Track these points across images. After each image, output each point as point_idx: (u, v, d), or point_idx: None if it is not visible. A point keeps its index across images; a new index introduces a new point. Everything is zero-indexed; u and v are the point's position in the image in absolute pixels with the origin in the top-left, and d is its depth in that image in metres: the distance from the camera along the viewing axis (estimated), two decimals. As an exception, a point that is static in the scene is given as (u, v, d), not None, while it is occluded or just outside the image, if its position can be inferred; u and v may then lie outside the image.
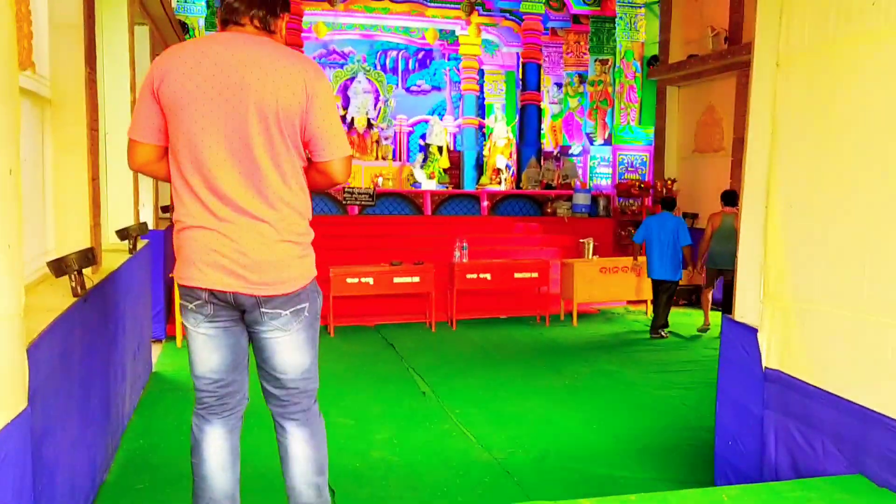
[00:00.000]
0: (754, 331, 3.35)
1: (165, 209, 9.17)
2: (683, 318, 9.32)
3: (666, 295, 8.32)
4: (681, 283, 8.76)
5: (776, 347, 3.24)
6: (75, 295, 3.51)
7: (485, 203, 12.38)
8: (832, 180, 2.96)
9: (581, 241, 10.97)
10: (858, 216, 2.81)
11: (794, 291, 3.14)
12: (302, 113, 2.36)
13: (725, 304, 8.07)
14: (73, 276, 3.53)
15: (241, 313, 2.53)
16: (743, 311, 3.47)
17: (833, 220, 2.95)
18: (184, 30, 10.10)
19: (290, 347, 2.56)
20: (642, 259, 8.72)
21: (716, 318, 9.02)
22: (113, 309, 4.56)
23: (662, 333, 8.32)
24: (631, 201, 11.98)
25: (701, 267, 8.53)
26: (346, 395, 5.83)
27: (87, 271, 4.09)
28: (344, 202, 11.64)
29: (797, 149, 3.15)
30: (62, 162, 4.31)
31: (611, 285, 9.16)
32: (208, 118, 2.33)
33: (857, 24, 2.79)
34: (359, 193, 11.69)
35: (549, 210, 12.39)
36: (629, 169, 12.62)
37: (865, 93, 2.79)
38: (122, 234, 5.44)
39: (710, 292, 8.60)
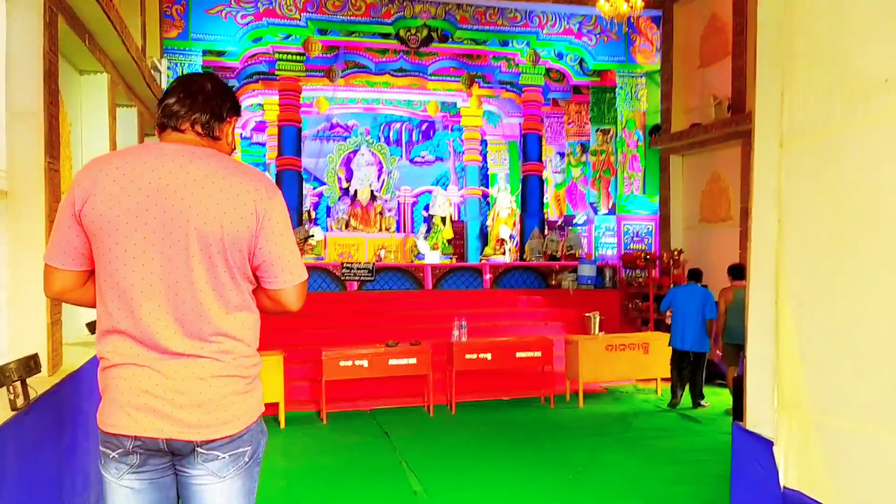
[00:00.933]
0: (769, 444, 2.96)
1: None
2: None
3: (698, 367, 8.38)
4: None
5: (795, 465, 2.85)
6: (13, 408, 3.19)
7: (487, 276, 12.07)
8: (849, 275, 2.62)
9: (586, 315, 10.60)
10: (883, 317, 2.46)
11: (813, 402, 2.76)
12: (251, 238, 2.05)
13: (736, 398, 7.65)
14: (10, 388, 3.22)
15: (171, 459, 2.15)
16: (755, 419, 3.09)
17: (853, 320, 2.59)
18: (178, 109, 10.03)
19: (222, 498, 2.14)
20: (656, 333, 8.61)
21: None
22: (72, 411, 4.21)
23: (703, 403, 8.39)
24: (638, 272, 11.63)
25: (719, 344, 8.29)
26: (330, 497, 5.40)
27: (41, 375, 3.79)
28: (343, 278, 11.36)
29: (807, 240, 2.82)
30: (18, 257, 4.04)
31: (618, 363, 8.74)
32: (140, 246, 2.00)
33: (868, 103, 2.50)
34: (357, 269, 11.42)
35: (553, 282, 12.06)
36: (635, 239, 12.33)
37: (881, 177, 2.48)
38: (92, 326, 5.14)
39: (735, 370, 8.30)
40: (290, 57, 11.96)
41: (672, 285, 10.78)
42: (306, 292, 2.22)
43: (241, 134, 16.59)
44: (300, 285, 2.17)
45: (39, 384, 3.66)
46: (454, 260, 14.96)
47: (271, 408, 7.83)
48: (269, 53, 12.12)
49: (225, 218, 2.00)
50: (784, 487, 2.90)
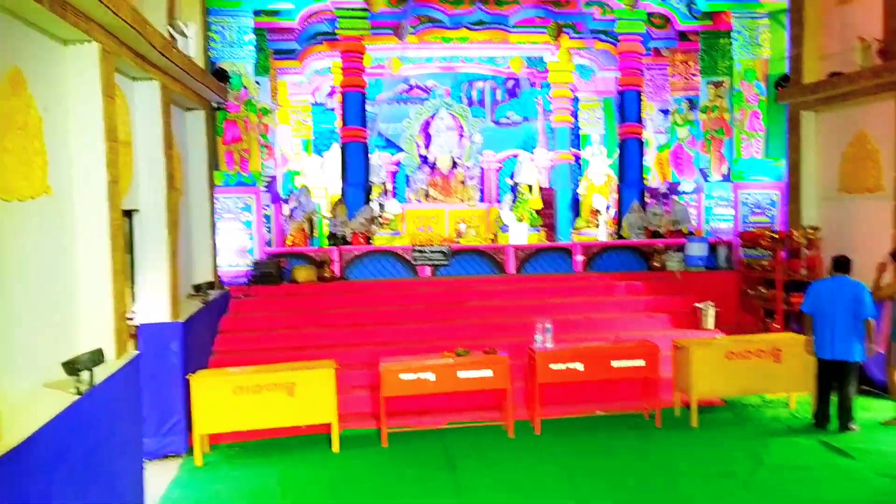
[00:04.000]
0: None
1: (198, 288, 7.93)
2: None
3: (850, 379, 6.71)
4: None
5: None
6: None
7: (579, 257, 10.56)
8: None
9: (698, 305, 9.01)
10: None
11: None
12: None
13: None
14: None
15: None
16: None
17: None
18: (221, 78, 8.93)
19: None
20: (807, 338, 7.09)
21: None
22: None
23: (852, 427, 6.73)
24: (759, 251, 9.82)
25: (880, 342, 6.85)
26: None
27: None
28: (414, 262, 10.14)
29: None
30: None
31: (741, 374, 7.13)
32: None
33: None
34: (431, 252, 10.16)
35: (656, 263, 10.42)
36: (755, 210, 10.50)
37: None
38: (70, 367, 4.07)
39: None
40: (351, 14, 10.65)
41: (803, 270, 9.01)
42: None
43: (313, 101, 15.52)
44: None
45: None
46: (543, 233, 13.47)
47: (323, 428, 6.73)
48: (329, 10, 10.84)
49: None
50: None
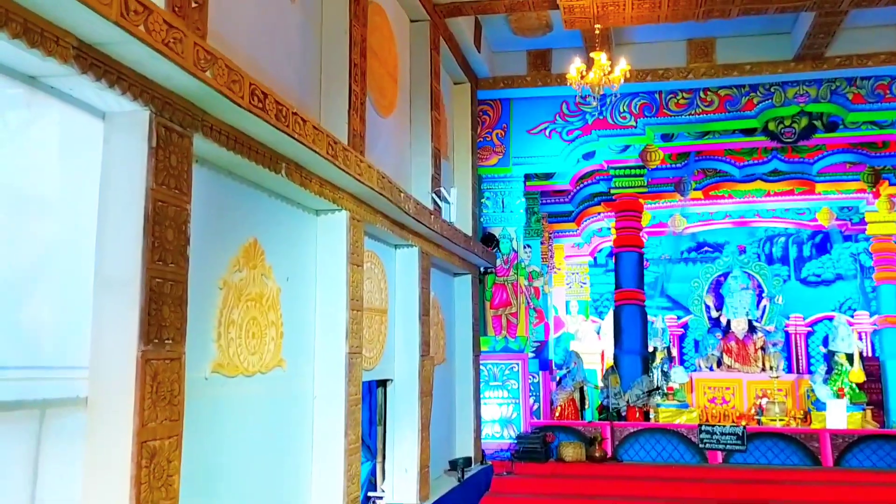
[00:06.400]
0: None
1: (454, 464, 7.38)
2: None
3: None
4: None
5: None
6: None
7: (925, 451, 8.28)
8: None
9: None
10: None
11: None
12: None
13: None
14: None
15: None
16: None
17: None
18: (490, 243, 8.80)
19: None
20: None
21: None
22: None
23: None
24: None
25: None
26: None
27: None
28: (701, 446, 8.69)
29: None
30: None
31: None
32: None
33: None
34: (722, 434, 8.67)
35: None
36: None
37: None
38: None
39: None
40: (626, 172, 10.17)
41: None
42: None
43: (592, 262, 15.10)
44: None
45: None
46: (868, 413, 11.04)
47: None
48: (603, 171, 10.48)
49: None
50: None
